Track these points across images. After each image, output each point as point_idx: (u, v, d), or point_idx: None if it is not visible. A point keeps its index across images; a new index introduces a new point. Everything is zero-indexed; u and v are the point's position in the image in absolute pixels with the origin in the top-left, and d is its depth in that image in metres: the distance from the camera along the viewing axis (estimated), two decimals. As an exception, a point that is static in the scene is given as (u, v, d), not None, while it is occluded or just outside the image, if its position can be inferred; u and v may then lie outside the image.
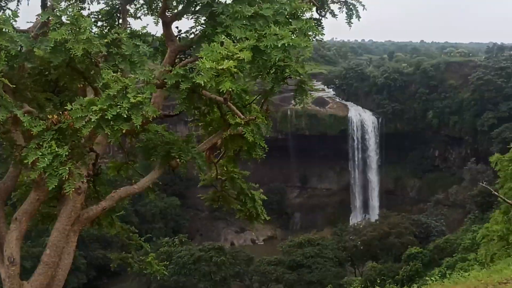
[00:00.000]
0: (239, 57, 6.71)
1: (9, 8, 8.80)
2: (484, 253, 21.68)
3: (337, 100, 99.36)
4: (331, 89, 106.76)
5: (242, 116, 8.41)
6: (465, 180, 79.18)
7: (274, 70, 8.47)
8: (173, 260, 52.65)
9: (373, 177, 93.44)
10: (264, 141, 9.13)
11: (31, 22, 8.07)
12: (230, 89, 6.74)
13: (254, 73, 8.01)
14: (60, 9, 6.84)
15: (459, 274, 10.54)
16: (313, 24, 7.73)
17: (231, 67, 6.53)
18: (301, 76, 8.77)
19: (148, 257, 12.01)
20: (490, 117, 79.18)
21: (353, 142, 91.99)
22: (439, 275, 11.03)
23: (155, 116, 6.65)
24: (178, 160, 7.78)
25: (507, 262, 10.23)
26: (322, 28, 8.94)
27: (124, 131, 6.42)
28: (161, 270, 12.17)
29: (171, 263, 51.29)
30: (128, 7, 8.57)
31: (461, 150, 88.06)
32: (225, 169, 9.58)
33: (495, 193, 16.81)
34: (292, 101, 9.75)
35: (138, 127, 6.32)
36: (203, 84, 6.50)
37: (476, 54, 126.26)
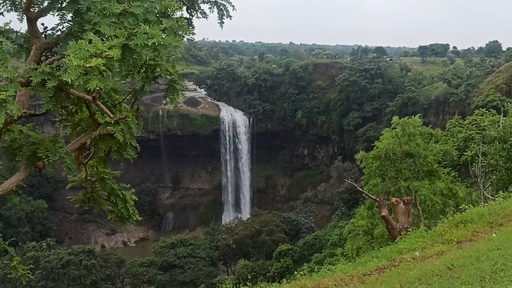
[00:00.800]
0: (108, 55, 6.70)
1: None
2: (350, 247, 23.59)
3: (209, 100, 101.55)
4: (202, 89, 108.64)
5: (112, 115, 8.38)
6: (332, 178, 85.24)
7: (144, 69, 8.54)
8: (40, 265, 51.65)
9: (245, 176, 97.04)
10: (135, 141, 9.23)
11: None
12: (99, 88, 6.73)
13: (124, 72, 7.96)
14: None
15: (326, 268, 10.92)
16: (184, 23, 7.83)
17: (99, 65, 6.51)
18: (172, 76, 8.87)
19: (13, 261, 11.32)
20: (355, 116, 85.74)
21: (225, 141, 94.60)
22: (308, 270, 11.91)
23: (19, 115, 6.45)
24: (45, 160, 7.60)
25: (371, 254, 11.16)
26: (193, 27, 9.15)
27: (-15, 131, 6.18)
28: (26, 275, 11.56)
29: (38, 268, 50.44)
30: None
31: (329, 148, 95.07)
32: (95, 169, 9.47)
33: (360, 189, 17.89)
34: (163, 101, 10.13)
35: (1, 126, 6.15)
36: (70, 82, 6.43)
37: (342, 56, 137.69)
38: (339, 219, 67.35)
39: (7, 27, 7.19)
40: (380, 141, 21.82)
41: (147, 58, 7.56)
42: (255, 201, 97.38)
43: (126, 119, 8.77)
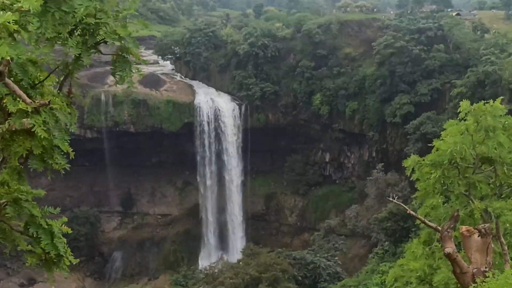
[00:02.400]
0: (22, 7, 6.84)
1: None
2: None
3: (178, 78, 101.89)
4: (168, 62, 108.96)
5: (29, 101, 8.39)
6: (369, 197, 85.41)
7: (80, 30, 8.61)
8: None
9: (234, 195, 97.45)
10: (66, 142, 9.20)
11: None
12: (9, 57, 6.83)
13: (49, 34, 8.06)
14: None
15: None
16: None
17: (8, 22, 6.63)
18: (122, 41, 9.01)
19: None
20: (404, 102, 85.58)
21: (202, 142, 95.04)
22: None
23: None
24: None
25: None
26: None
27: None
28: None
29: None
30: None
31: (363, 152, 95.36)
32: (6, 186, 9.39)
33: (412, 213, 17.24)
34: (108, 80, 10.15)
35: None
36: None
37: (384, 10, 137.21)
38: (380, 260, 67.57)
39: None
40: (442, 140, 21.78)
41: (83, 12, 7.71)
42: (250, 233, 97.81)
43: (51, 106, 8.77)
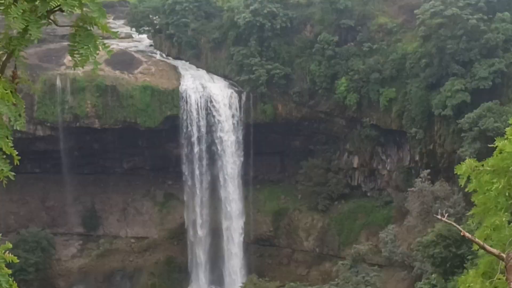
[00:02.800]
0: None
1: None
2: None
3: (158, 57, 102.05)
4: (144, 35, 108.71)
5: None
6: (410, 214, 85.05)
7: None
8: None
9: (233, 212, 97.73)
10: (9, 143, 9.26)
11: None
12: None
13: None
14: None
15: None
16: None
17: None
18: (84, 8, 9.12)
19: None
20: (456, 89, 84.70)
21: (190, 142, 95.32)
22: None
23: None
24: None
25: None
26: None
27: None
28: None
29: None
30: None
31: (403, 154, 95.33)
32: None
33: (468, 236, 17.13)
34: (66, 60, 10.14)
35: None
36: None
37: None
38: (425, 297, 67.21)
39: None
40: (508, 139, 21.74)
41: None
42: (253, 261, 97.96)
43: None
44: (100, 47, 9.63)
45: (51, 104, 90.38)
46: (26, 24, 8.66)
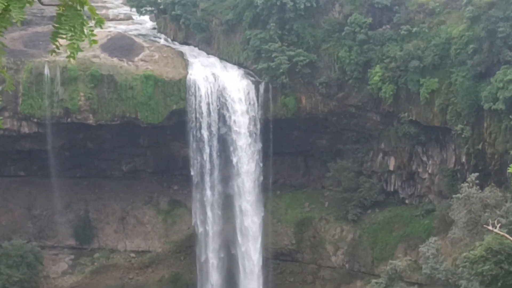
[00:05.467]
0: None
1: None
2: None
3: (162, 42, 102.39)
4: (146, 16, 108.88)
5: None
6: (456, 225, 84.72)
7: None
8: None
9: (249, 222, 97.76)
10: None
11: None
12: None
13: None
14: None
15: None
16: None
17: None
18: None
19: None
20: (510, 79, 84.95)
21: (199, 140, 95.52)
22: None
23: None
24: None
25: None
26: None
27: None
28: None
29: None
30: None
31: (447, 155, 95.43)
32: None
33: None
34: (55, 46, 10.10)
35: None
36: None
37: None
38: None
39: None
40: None
41: None
42: (273, 279, 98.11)
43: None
44: (93, 29, 9.58)
45: (38, 97, 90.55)
46: (6, 4, 8.65)
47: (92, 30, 9.82)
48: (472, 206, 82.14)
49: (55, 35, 8.96)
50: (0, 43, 9.27)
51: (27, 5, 9.24)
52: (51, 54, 9.75)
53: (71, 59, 8.90)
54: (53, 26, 9.04)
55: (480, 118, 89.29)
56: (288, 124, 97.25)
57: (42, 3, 9.30)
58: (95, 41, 9.56)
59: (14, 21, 8.96)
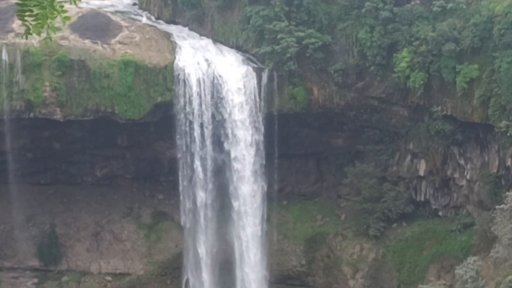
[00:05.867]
0: None
1: None
2: None
3: (144, 20, 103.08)
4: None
5: None
6: (499, 242, 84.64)
7: None
8: None
9: (249, 239, 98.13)
10: None
11: None
12: None
13: None
14: None
15: None
16: None
17: None
18: None
19: None
20: None
21: (190, 139, 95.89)
22: None
23: None
24: None
25: None
26: None
27: None
28: None
29: None
30: None
31: (489, 158, 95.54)
32: None
33: None
34: (15, 25, 10.06)
35: None
36: None
37: None
38: None
39: None
40: None
41: None
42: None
43: None
44: (56, 7, 9.48)
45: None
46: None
47: (63, 6, 9.71)
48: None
49: (21, 14, 8.86)
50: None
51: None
52: (24, 37, 9.66)
53: (48, 40, 8.81)
54: (17, 3, 8.95)
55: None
56: (296, 121, 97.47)
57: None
58: (68, 18, 9.45)
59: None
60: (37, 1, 8.55)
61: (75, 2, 9.83)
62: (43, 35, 9.73)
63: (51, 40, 9.29)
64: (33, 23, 8.69)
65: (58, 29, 9.19)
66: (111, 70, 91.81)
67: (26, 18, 8.73)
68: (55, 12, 8.94)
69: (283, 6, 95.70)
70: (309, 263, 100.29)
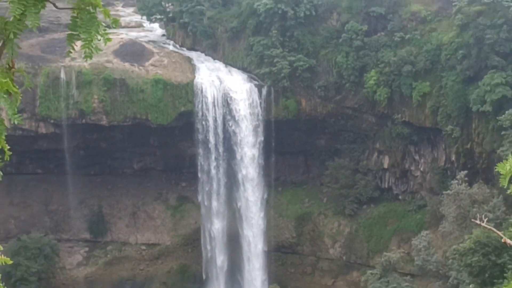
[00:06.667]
0: None
1: None
2: None
3: (171, 48, 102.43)
4: (156, 24, 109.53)
5: None
6: (446, 219, 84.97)
7: None
8: None
9: (252, 217, 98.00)
10: (4, 139, 9.33)
11: None
12: None
13: None
14: None
15: None
16: None
17: None
18: None
19: None
20: (497, 83, 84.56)
21: (206, 140, 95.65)
22: None
23: None
24: None
25: None
26: None
27: None
28: None
29: None
30: None
31: (438, 154, 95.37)
32: None
33: (509, 242, 17.06)
34: (70, 50, 10.07)
35: None
36: None
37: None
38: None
39: None
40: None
41: None
42: (274, 271, 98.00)
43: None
44: (105, 36, 9.53)
45: (54, 99, 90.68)
46: (21, 9, 8.61)
47: (105, 30, 9.77)
48: (461, 201, 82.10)
49: (71, 38, 8.89)
50: (15, 45, 9.22)
51: (44, 13, 9.23)
52: (68, 55, 9.68)
53: (88, 59, 8.83)
54: (69, 29, 8.99)
55: (468, 119, 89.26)
56: (289, 125, 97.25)
57: (56, 7, 9.25)
58: (109, 39, 9.49)
59: (30, 26, 8.93)
60: (85, 28, 8.58)
61: (115, 26, 9.91)
62: (89, 57, 9.75)
63: (91, 58, 9.34)
64: (80, 46, 8.73)
65: (100, 50, 9.25)
66: (145, 86, 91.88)
67: (72, 39, 8.77)
68: (99, 36, 9.00)
69: (278, 37, 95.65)
70: (299, 236, 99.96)
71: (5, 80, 9.08)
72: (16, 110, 9.25)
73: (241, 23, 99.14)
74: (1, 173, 9.36)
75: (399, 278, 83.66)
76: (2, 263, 9.92)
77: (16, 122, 9.29)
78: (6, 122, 9.25)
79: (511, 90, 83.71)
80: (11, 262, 10.03)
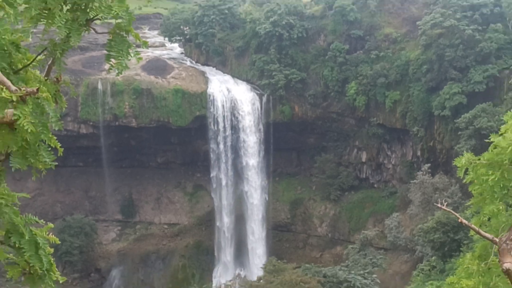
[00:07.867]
0: None
1: None
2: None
3: (188, 63, 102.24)
4: (176, 44, 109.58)
5: (15, 88, 8.37)
6: (413, 204, 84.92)
7: (70, 4, 8.71)
8: None
9: (254, 201, 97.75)
10: (55, 138, 9.25)
11: None
12: None
13: (34, 10, 8.17)
14: None
15: None
16: None
17: None
18: (120, 18, 9.11)
19: None
20: (454, 92, 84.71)
21: (217, 139, 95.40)
22: None
23: None
24: None
25: None
26: None
27: None
28: None
29: None
30: None
31: (406, 150, 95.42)
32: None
33: (465, 222, 16.99)
34: (106, 66, 10.07)
35: None
36: None
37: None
38: (426, 277, 67.46)
39: None
40: (502, 136, 21.46)
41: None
42: (272, 245, 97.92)
43: (39, 94, 8.71)
44: (134, 54, 9.53)
45: (93, 105, 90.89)
46: (68, 32, 8.60)
47: (138, 51, 9.78)
48: (425, 189, 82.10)
49: (108, 57, 8.90)
50: (62, 62, 9.20)
51: (85, 35, 9.24)
52: (108, 72, 9.69)
53: (119, 74, 8.84)
54: (106, 50, 9.00)
55: (431, 122, 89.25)
56: (284, 127, 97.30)
57: (96, 32, 9.24)
58: (140, 58, 9.52)
59: (73, 44, 8.93)
60: (117, 48, 8.59)
61: (145, 46, 9.92)
62: (120, 73, 9.76)
63: (121, 73, 9.35)
64: (116, 63, 8.74)
65: (127, 67, 9.25)
66: (167, 95, 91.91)
67: (110, 58, 8.75)
68: (129, 56, 9.00)
69: (276, 54, 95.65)
70: (292, 217, 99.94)
71: (51, 92, 9.07)
72: (58, 116, 9.20)
73: (246, 43, 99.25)
74: (54, 163, 9.33)
75: (375, 252, 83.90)
76: (52, 241, 9.88)
77: (56, 128, 9.23)
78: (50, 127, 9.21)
79: (466, 98, 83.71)
80: (59, 242, 9.98)
